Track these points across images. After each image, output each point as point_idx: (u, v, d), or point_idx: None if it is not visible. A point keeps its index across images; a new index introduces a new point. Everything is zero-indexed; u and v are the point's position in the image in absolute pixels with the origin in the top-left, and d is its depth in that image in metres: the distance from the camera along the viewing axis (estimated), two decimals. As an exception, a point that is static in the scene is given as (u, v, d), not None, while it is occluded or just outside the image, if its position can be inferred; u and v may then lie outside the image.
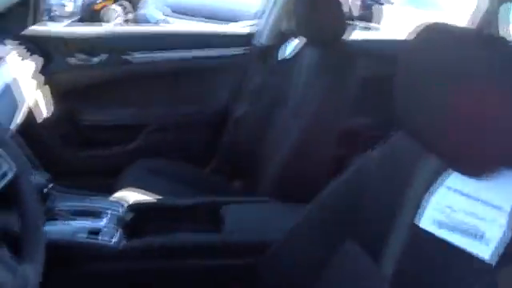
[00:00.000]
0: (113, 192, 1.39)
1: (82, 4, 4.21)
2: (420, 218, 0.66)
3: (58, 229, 1.03)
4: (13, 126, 1.27)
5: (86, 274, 1.02)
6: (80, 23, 1.80)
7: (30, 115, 1.50)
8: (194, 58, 1.77)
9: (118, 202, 1.18)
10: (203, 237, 1.11)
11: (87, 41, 1.68)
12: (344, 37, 1.34)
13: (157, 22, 5.07)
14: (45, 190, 1.04)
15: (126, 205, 1.19)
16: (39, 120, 1.57)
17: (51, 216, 1.06)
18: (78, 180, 1.69)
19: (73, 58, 1.66)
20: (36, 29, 1.56)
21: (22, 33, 1.53)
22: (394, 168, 0.77)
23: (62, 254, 1.00)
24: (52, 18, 1.67)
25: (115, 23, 5.47)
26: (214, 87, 1.82)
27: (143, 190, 1.41)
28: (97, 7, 5.23)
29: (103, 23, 5.24)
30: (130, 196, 1.36)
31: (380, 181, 0.79)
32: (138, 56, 1.72)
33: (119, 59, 1.70)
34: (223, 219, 1.17)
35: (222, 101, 1.82)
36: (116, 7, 5.50)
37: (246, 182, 1.63)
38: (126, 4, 5.63)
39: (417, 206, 0.67)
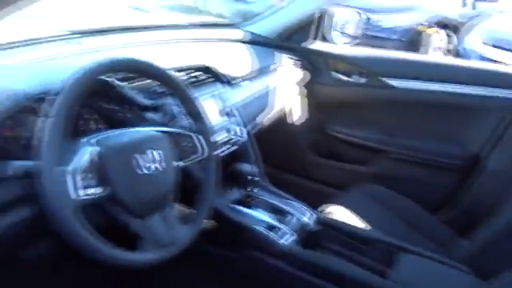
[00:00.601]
0: (327, 203, 1.47)
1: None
2: None
3: (246, 213, 1.20)
4: (261, 124, 1.54)
5: (247, 258, 1.15)
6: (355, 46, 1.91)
7: (285, 118, 1.75)
8: (458, 94, 1.61)
9: (308, 211, 1.26)
10: (368, 277, 1.05)
11: (353, 61, 1.78)
12: None
13: (478, 58, 4.73)
14: (248, 178, 1.22)
15: (315, 216, 1.26)
16: (292, 124, 1.80)
17: (248, 201, 1.24)
18: (308, 183, 1.87)
19: (337, 75, 1.81)
20: (311, 45, 1.79)
21: (300, 47, 1.80)
22: None
23: (236, 234, 1.17)
24: (331, 39, 1.84)
25: (434, 48, 5.43)
26: (471, 129, 1.61)
27: (354, 213, 1.43)
28: (421, 29, 5.37)
29: (421, 47, 5.31)
30: (335, 212, 1.41)
31: None
32: (397, 82, 1.71)
33: (380, 82, 1.74)
34: (395, 265, 1.07)
35: (475, 145, 1.59)
36: (440, 35, 5.44)
37: (472, 242, 1.39)
38: (452, 34, 5.49)
39: None
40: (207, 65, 1.33)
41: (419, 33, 5.27)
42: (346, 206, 1.45)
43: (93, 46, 1.26)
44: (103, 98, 1.01)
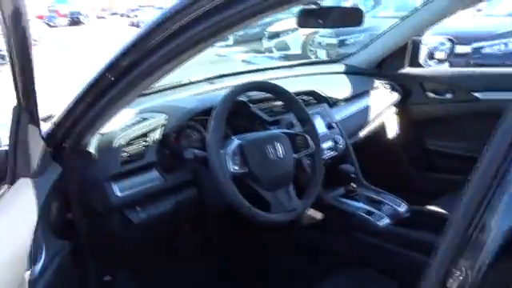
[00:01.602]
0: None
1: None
2: None
3: (349, 203, 1.50)
4: (359, 137, 1.83)
5: (350, 238, 1.43)
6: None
7: (382, 134, 2.02)
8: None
9: (401, 203, 1.51)
10: None
11: (443, 80, 2.01)
12: None
13: None
14: (349, 176, 1.53)
15: (406, 206, 1.50)
16: (389, 139, 2.06)
17: (350, 194, 1.54)
18: (406, 193, 2.07)
19: (428, 94, 2.04)
20: (403, 70, 2.06)
21: (393, 73, 2.07)
22: None
23: (341, 219, 1.47)
24: (421, 63, 2.09)
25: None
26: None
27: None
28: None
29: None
30: (429, 207, 1.63)
31: None
32: (482, 94, 1.89)
33: (467, 96, 1.93)
34: None
35: None
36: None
37: None
38: None
39: None
40: (313, 90, 1.70)
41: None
42: (440, 207, 1.65)
43: (227, 84, 1.71)
44: (240, 115, 1.42)
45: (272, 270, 1.63)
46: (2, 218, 0.86)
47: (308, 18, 1.31)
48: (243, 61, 8.75)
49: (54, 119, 1.11)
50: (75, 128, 1.10)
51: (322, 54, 7.64)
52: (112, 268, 1.40)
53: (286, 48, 8.68)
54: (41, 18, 32.65)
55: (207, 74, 1.77)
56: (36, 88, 0.94)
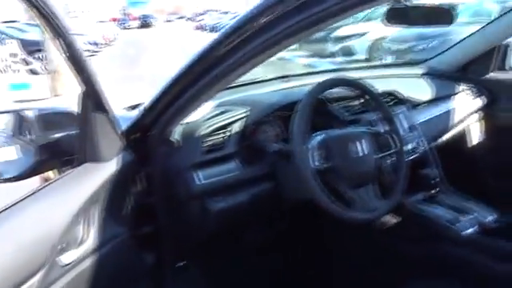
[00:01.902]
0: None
1: None
2: None
3: (433, 210, 1.42)
4: (441, 141, 1.74)
5: (431, 247, 1.35)
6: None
7: (465, 141, 1.91)
8: None
9: (489, 211, 1.41)
10: None
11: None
12: None
13: None
14: (431, 181, 1.45)
15: (495, 215, 1.40)
16: (472, 147, 1.94)
17: (431, 200, 1.46)
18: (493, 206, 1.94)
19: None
20: (490, 75, 1.93)
21: (479, 77, 1.95)
22: None
23: (422, 227, 1.40)
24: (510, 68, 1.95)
25: None
26: None
27: None
28: None
29: None
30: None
31: None
32: None
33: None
34: None
35: None
36: None
37: None
38: None
39: None
40: (392, 90, 1.64)
41: None
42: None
43: (303, 83, 1.69)
44: (318, 113, 1.40)
45: (342, 271, 1.59)
46: (48, 199, 0.88)
47: (396, 16, 1.27)
48: (305, 65, 8.66)
49: (145, 105, 1.15)
50: (163, 116, 1.13)
51: (389, 60, 7.41)
52: (185, 255, 1.43)
53: (351, 53, 8.50)
54: (114, 20, 34.57)
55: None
56: (97, 77, 0.96)
